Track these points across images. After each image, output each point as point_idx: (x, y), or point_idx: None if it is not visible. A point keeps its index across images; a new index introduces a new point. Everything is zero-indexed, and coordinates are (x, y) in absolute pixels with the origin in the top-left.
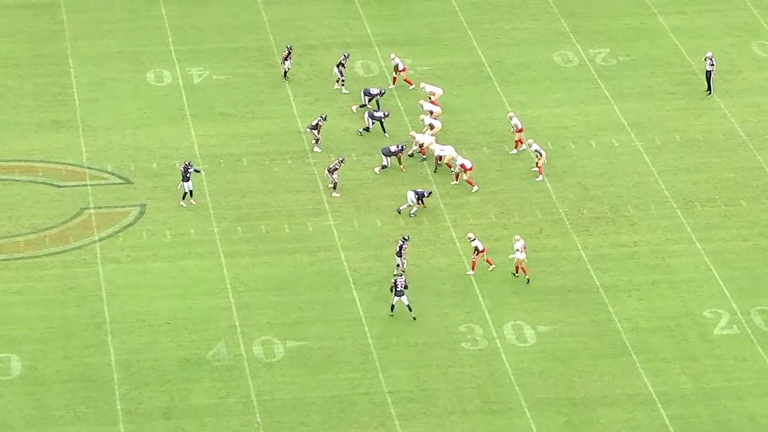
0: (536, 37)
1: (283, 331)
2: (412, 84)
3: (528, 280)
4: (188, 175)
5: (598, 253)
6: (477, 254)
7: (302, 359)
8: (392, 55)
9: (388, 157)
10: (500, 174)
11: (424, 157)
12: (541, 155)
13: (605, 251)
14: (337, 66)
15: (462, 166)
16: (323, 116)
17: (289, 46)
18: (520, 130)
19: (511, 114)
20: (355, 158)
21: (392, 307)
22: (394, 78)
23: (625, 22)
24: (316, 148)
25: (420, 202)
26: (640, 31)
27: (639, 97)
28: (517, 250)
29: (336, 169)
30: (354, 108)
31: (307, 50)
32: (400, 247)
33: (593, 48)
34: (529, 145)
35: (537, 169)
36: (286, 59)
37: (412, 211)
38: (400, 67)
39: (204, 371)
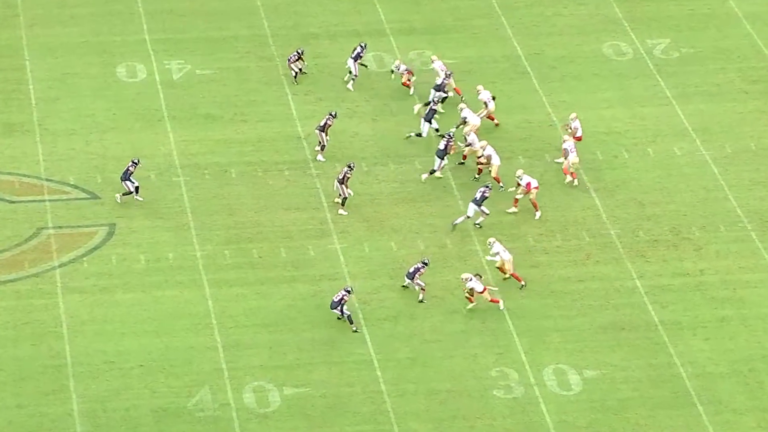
0: (583, 24)
1: (279, 376)
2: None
3: (523, 286)
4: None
5: (656, 284)
6: (474, 296)
7: (302, 409)
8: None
9: (442, 160)
10: (540, 188)
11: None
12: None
13: (665, 281)
14: (354, 59)
15: (527, 185)
16: (333, 113)
17: (299, 50)
18: (578, 138)
19: (574, 116)
20: (366, 169)
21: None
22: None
23: (690, 8)
24: (319, 157)
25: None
26: (707, 19)
27: (706, 97)
28: (497, 253)
29: (347, 178)
30: (416, 108)
31: (308, 40)
32: (416, 270)
33: (651, 38)
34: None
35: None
36: (296, 61)
37: (477, 221)
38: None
39: (184, 423)
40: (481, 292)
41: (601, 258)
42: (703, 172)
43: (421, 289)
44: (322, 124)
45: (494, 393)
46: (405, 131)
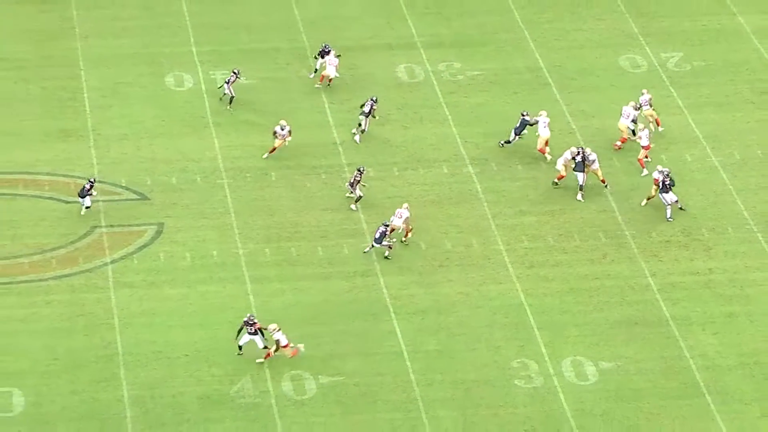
0: (601, 39)
1: (315, 366)
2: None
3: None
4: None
5: (668, 282)
6: (276, 350)
7: (336, 397)
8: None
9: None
10: (560, 192)
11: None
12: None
13: (677, 279)
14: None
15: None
16: (374, 98)
17: (236, 71)
18: (647, 147)
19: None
20: (397, 173)
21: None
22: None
23: (702, 23)
24: (356, 138)
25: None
26: (718, 33)
27: (716, 107)
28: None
29: (357, 181)
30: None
31: (344, 52)
32: (383, 234)
33: (665, 52)
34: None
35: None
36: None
37: (386, 254)
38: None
39: (227, 409)
40: (284, 347)
41: (616, 257)
42: (713, 178)
43: (389, 247)
44: (366, 110)
45: (516, 383)
46: (432, 138)
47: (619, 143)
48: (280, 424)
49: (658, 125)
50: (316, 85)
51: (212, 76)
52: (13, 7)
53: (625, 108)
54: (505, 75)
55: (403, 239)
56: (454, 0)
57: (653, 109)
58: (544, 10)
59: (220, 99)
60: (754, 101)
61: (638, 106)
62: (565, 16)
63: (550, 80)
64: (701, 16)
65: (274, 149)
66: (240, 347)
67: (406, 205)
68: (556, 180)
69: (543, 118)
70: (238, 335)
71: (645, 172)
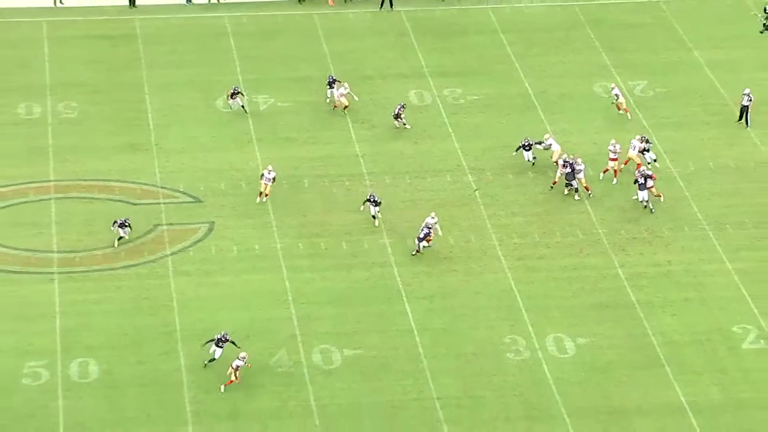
0: (578, 69)
1: (340, 341)
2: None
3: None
4: None
5: (634, 272)
6: (235, 373)
7: (358, 367)
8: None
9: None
10: (544, 197)
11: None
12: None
13: (641, 270)
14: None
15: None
16: (402, 105)
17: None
18: (615, 159)
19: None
20: (408, 181)
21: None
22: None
23: (663, 57)
24: (406, 126)
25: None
26: (676, 65)
27: (675, 126)
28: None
29: (377, 202)
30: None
31: (364, 80)
32: (426, 235)
33: (632, 80)
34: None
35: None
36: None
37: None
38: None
39: (266, 377)
40: (236, 370)
41: (591, 251)
42: (672, 185)
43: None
44: (395, 113)
45: (507, 355)
46: (438, 152)
47: (622, 166)
48: (311, 389)
49: (626, 111)
50: (334, 108)
51: (255, 100)
52: (91, 42)
53: (633, 141)
54: (499, 99)
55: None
56: (457, 37)
57: (622, 100)
58: (532, 45)
59: (231, 108)
60: (707, 121)
61: (644, 139)
62: (549, 51)
63: (536, 103)
64: (662, 51)
65: (266, 194)
66: (212, 360)
67: (433, 213)
68: (552, 184)
69: (550, 139)
70: (206, 344)
71: (615, 181)
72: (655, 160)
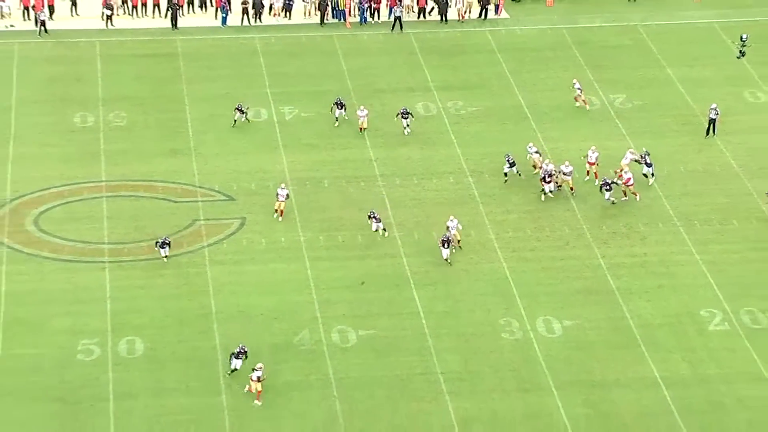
0: (566, 84)
1: (355, 322)
2: None
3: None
4: None
5: (614, 262)
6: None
7: (371, 345)
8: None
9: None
10: (535, 196)
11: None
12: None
13: (620, 260)
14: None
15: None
16: (406, 111)
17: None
18: (592, 164)
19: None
20: (416, 182)
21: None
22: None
23: (640, 73)
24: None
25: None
26: (651, 81)
27: (650, 135)
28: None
29: (378, 219)
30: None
31: (377, 94)
32: (448, 239)
33: (613, 94)
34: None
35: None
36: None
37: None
38: None
39: (290, 354)
40: (257, 381)
41: (576, 244)
42: (648, 186)
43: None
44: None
45: (502, 335)
46: (442, 156)
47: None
48: (330, 364)
49: (585, 104)
50: (336, 124)
51: (281, 110)
52: (137, 60)
53: (627, 153)
54: (496, 110)
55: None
56: (459, 56)
57: (582, 94)
58: (524, 63)
59: (233, 124)
60: (678, 130)
61: (634, 152)
62: (539, 68)
63: (528, 114)
64: (639, 68)
65: (281, 210)
66: (233, 370)
67: (451, 216)
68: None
69: (533, 148)
70: (230, 360)
71: (597, 182)
72: (645, 175)
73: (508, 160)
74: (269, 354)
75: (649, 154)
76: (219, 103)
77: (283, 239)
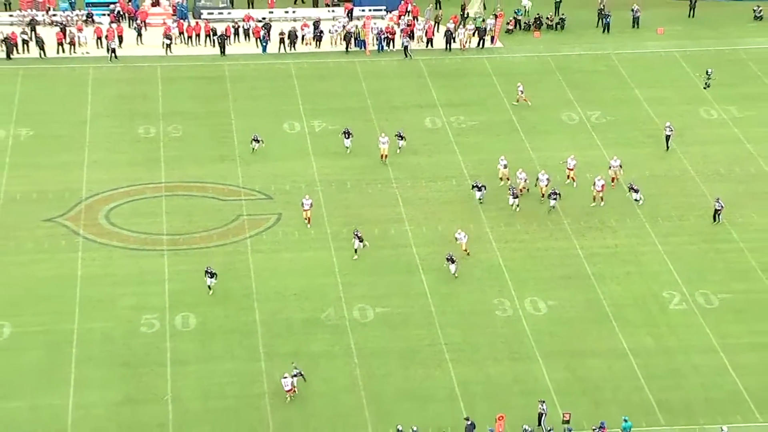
0: (550, 102)
1: (373, 301)
2: None
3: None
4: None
5: (590, 252)
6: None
7: (386, 321)
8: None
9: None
10: (525, 197)
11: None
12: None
13: (595, 250)
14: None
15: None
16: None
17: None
18: (571, 169)
19: (571, 158)
20: (424, 184)
21: None
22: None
23: (612, 94)
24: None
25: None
26: (622, 100)
27: (621, 145)
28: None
29: (360, 238)
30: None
31: (392, 110)
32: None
33: (590, 110)
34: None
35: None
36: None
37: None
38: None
39: (318, 328)
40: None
41: (558, 237)
42: (618, 189)
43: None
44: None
45: (496, 313)
46: (446, 163)
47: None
48: (351, 337)
49: (527, 101)
50: (347, 152)
51: (312, 124)
52: (192, 81)
53: (611, 161)
54: (491, 124)
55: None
56: (460, 78)
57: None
58: (515, 85)
59: (252, 151)
60: (644, 141)
61: (632, 188)
62: (527, 88)
63: (518, 128)
64: (612, 89)
65: (308, 218)
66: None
67: (459, 230)
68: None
69: (504, 161)
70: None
71: (575, 184)
72: (636, 200)
73: (476, 186)
74: (300, 327)
75: (635, 189)
76: (259, 118)
77: (312, 232)
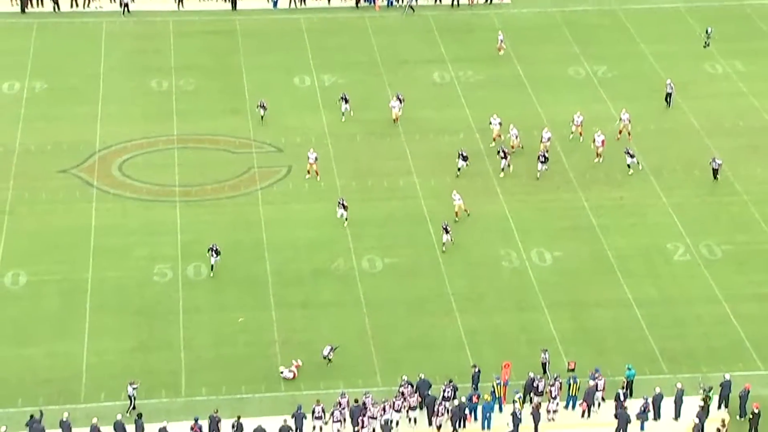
0: (557, 57)
1: (381, 252)
2: None
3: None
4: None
5: (596, 204)
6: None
7: (394, 271)
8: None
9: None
10: (532, 150)
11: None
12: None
13: (601, 203)
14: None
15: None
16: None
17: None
18: (578, 126)
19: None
20: (432, 137)
21: None
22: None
23: (618, 49)
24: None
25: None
26: (628, 55)
27: (626, 99)
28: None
29: (345, 206)
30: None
31: (401, 64)
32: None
33: (596, 65)
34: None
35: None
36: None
37: None
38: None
39: (328, 277)
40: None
41: (565, 189)
42: (623, 141)
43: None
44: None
45: (502, 263)
46: (453, 117)
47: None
48: (360, 287)
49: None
50: (342, 119)
51: (322, 78)
52: (204, 35)
53: (622, 114)
54: (499, 79)
55: (457, 218)
56: (468, 33)
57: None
58: (522, 40)
59: (261, 118)
60: (649, 96)
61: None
62: (534, 44)
63: (525, 82)
64: (618, 44)
65: (316, 171)
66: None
67: (455, 191)
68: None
69: (495, 119)
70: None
71: (581, 139)
72: (629, 165)
73: (461, 155)
74: (310, 278)
75: (630, 153)
76: (270, 72)
77: (322, 184)
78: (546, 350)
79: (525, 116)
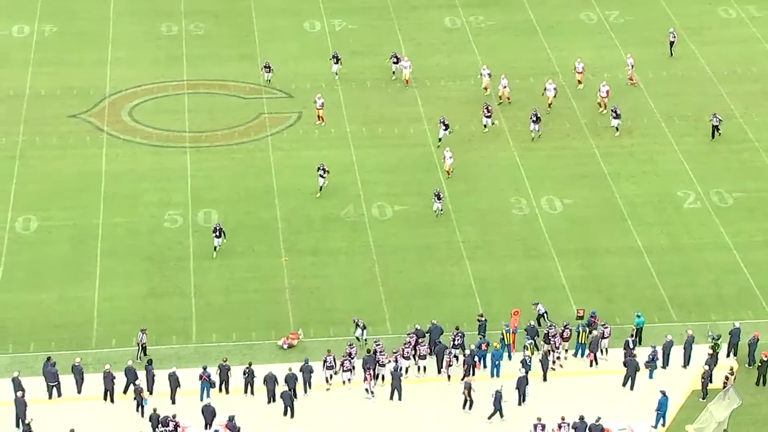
0: (568, 2)
1: (391, 199)
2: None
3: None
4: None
5: (606, 151)
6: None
7: (404, 218)
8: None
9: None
10: (543, 97)
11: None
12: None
13: (611, 150)
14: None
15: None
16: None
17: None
18: (581, 72)
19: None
20: (443, 83)
21: None
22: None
23: None
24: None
25: None
26: (640, 0)
27: (638, 45)
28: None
29: (325, 170)
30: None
31: (412, 9)
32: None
33: (608, 10)
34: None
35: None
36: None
37: None
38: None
39: (338, 224)
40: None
41: (575, 137)
42: (635, 89)
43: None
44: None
45: (513, 211)
46: (465, 62)
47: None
48: (370, 234)
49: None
50: (336, 78)
51: (332, 23)
52: None
53: (628, 59)
54: (510, 24)
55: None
56: None
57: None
58: None
59: (268, 81)
60: (662, 42)
61: (614, 111)
62: None
63: (537, 28)
64: None
65: (322, 117)
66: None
67: (447, 148)
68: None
69: (485, 71)
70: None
71: (580, 86)
72: (616, 128)
73: (442, 122)
74: (320, 224)
75: (617, 114)
76: (281, 17)
77: (332, 130)
78: (537, 303)
79: (537, 61)
